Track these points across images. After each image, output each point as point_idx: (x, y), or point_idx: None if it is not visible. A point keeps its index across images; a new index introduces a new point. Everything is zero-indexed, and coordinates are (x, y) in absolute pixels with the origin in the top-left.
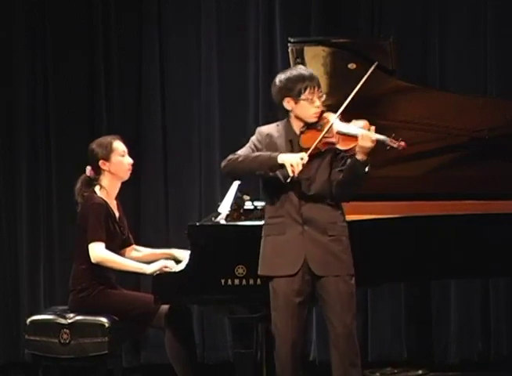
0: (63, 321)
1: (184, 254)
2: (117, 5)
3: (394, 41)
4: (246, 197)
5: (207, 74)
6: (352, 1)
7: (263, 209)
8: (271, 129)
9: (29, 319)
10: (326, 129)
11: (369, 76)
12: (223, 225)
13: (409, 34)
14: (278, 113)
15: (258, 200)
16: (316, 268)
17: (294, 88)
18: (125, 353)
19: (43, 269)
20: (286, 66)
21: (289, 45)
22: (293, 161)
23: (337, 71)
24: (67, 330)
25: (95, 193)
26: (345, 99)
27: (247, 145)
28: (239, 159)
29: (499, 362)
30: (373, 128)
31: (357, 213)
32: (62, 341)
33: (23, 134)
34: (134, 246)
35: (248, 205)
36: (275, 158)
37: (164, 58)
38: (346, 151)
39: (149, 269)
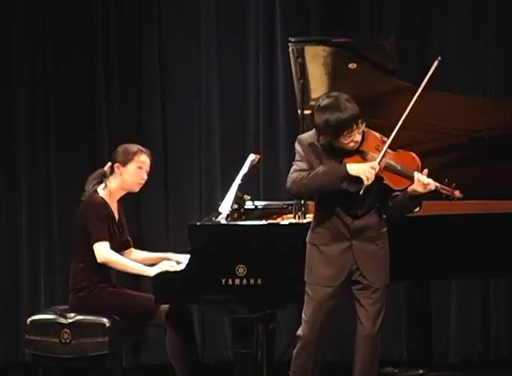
0: (63, 321)
1: (179, 258)
2: (117, 5)
3: (394, 41)
4: (246, 197)
5: (207, 73)
6: (352, 1)
7: (263, 209)
8: (312, 138)
9: (29, 319)
10: (381, 153)
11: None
12: (224, 224)
13: (409, 34)
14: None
15: (259, 199)
16: (372, 278)
17: (333, 133)
18: (125, 353)
19: (43, 269)
20: (287, 66)
21: (289, 44)
22: (366, 170)
23: (337, 71)
24: (68, 330)
25: (96, 192)
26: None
27: (297, 158)
28: (305, 179)
29: (499, 362)
30: (425, 171)
31: None
32: (62, 340)
33: (23, 134)
34: (132, 249)
35: (249, 205)
36: (345, 169)
37: (164, 58)
38: (395, 190)
39: (152, 271)
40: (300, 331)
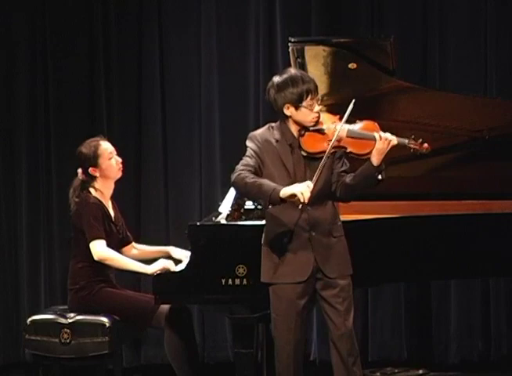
0: (63, 321)
1: (180, 254)
2: (116, 5)
3: (394, 41)
4: None
5: (207, 74)
6: (352, 1)
7: (263, 209)
8: (265, 134)
9: (29, 319)
10: (334, 137)
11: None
12: (224, 224)
13: (409, 34)
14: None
15: None
16: (330, 271)
17: (294, 95)
18: (125, 353)
19: (43, 269)
20: (287, 65)
21: (289, 44)
22: (301, 189)
23: (337, 71)
24: (68, 330)
25: (90, 193)
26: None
27: (247, 154)
28: (246, 180)
29: (499, 362)
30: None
31: (357, 213)
32: (62, 340)
33: (23, 134)
34: (133, 244)
35: (249, 205)
36: (278, 192)
37: (164, 58)
38: (360, 155)
39: (149, 269)
40: (273, 333)
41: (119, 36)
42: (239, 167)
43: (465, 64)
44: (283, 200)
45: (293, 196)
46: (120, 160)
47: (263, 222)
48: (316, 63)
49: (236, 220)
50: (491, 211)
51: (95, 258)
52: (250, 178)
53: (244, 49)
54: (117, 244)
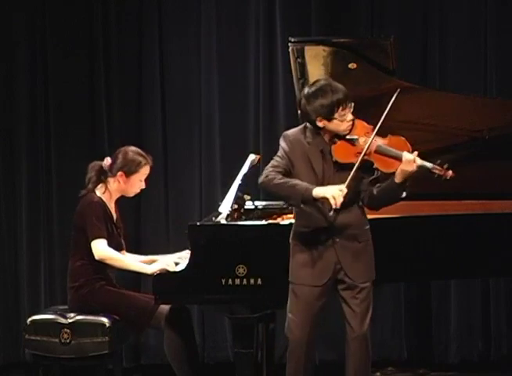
0: (63, 321)
1: (170, 260)
2: (117, 5)
3: (394, 41)
4: (246, 197)
5: (207, 73)
6: (352, 1)
7: (263, 209)
8: (298, 135)
9: (29, 319)
10: (364, 150)
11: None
12: (224, 224)
13: (409, 34)
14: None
15: (259, 199)
16: (356, 276)
17: (326, 108)
18: (125, 353)
19: (43, 269)
20: (287, 66)
21: (289, 44)
22: (334, 193)
23: (337, 71)
24: (68, 330)
25: (94, 192)
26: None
27: (279, 154)
28: (275, 181)
29: (499, 362)
30: (415, 153)
31: None
32: (62, 340)
33: (24, 134)
34: (124, 252)
35: (249, 205)
36: (311, 192)
37: (164, 58)
38: (385, 174)
39: (149, 269)
40: (288, 333)
41: (119, 36)
42: (268, 168)
43: (465, 64)
44: (315, 200)
45: (325, 199)
46: (144, 186)
47: (263, 222)
48: (316, 63)
49: (236, 220)
50: (491, 211)
51: (96, 257)
52: (279, 178)
53: (244, 49)
54: (115, 247)
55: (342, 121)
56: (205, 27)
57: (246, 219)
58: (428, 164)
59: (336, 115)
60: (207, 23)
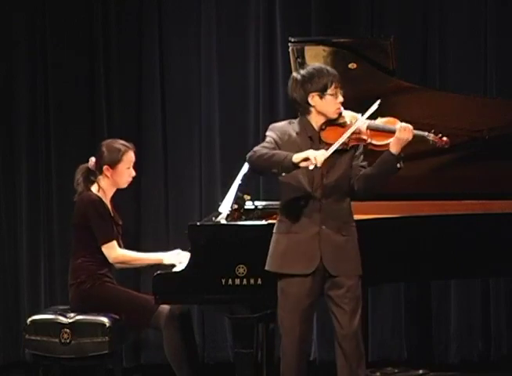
0: (63, 320)
1: (172, 257)
2: (117, 5)
3: (394, 41)
4: (246, 197)
5: (207, 74)
6: (352, 1)
7: (263, 209)
8: (286, 127)
9: (29, 319)
10: (354, 126)
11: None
12: (224, 224)
13: (409, 34)
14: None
15: (259, 199)
16: (332, 267)
17: (320, 83)
18: (125, 353)
19: (43, 269)
20: (287, 66)
21: (289, 44)
22: (315, 154)
23: (337, 71)
24: (68, 330)
25: (90, 191)
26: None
27: (266, 141)
28: (258, 153)
29: (499, 362)
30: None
31: (357, 213)
32: (62, 340)
33: (24, 134)
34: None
35: (249, 205)
36: (291, 158)
37: (164, 58)
38: (380, 147)
39: (165, 258)
40: (281, 330)
41: (119, 36)
42: (255, 147)
43: (465, 64)
44: (296, 166)
45: (307, 159)
46: (134, 173)
47: (263, 222)
48: (316, 62)
49: (236, 220)
50: (491, 211)
51: (111, 260)
52: (263, 151)
53: (244, 49)
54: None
55: (334, 100)
56: (205, 27)
57: (246, 219)
58: (423, 132)
59: (328, 91)
60: (207, 23)
